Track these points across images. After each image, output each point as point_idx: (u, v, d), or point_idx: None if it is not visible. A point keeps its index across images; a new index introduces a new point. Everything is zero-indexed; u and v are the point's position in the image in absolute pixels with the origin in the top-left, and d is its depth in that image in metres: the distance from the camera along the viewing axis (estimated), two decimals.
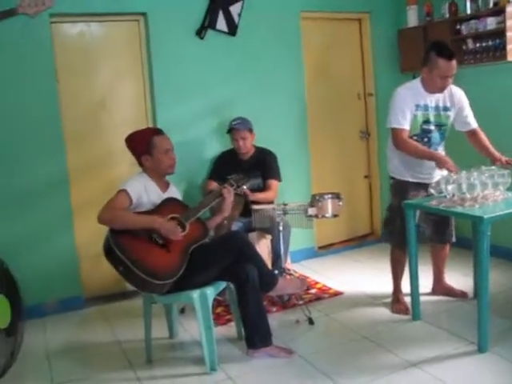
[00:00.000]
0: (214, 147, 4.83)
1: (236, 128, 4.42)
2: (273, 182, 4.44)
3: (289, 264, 4.43)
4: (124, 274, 3.02)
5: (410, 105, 3.67)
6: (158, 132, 3.47)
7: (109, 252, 3.04)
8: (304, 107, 5.26)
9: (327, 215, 3.85)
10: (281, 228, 3.98)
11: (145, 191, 3.31)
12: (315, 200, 3.84)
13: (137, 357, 3.52)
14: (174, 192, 3.57)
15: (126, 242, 3.04)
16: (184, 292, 3.21)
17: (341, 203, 3.89)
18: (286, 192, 4.76)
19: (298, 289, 3.65)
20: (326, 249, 5.57)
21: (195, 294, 3.19)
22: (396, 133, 3.68)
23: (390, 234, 3.97)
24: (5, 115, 4.17)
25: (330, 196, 3.84)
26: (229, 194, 3.53)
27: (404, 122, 3.66)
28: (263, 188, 4.43)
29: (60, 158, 4.36)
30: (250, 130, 4.46)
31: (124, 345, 3.74)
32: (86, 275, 4.58)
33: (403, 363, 3.18)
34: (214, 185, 4.38)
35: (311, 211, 3.83)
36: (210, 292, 3.25)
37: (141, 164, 3.45)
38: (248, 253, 3.32)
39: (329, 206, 3.84)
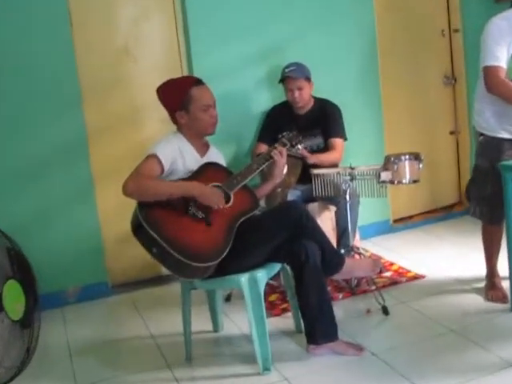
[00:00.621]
0: (264, 100, 4.83)
1: (290, 76, 4.39)
2: (337, 141, 4.42)
3: (357, 241, 4.42)
4: (158, 256, 3.05)
5: (507, 39, 3.55)
6: (198, 82, 3.46)
7: (138, 230, 3.06)
8: (374, 48, 5.20)
9: (404, 181, 3.81)
10: (347, 197, 3.96)
11: (180, 155, 3.32)
12: (390, 162, 3.79)
13: (174, 354, 3.57)
14: (215, 155, 3.58)
15: (160, 218, 3.06)
16: (230, 276, 3.22)
17: (421, 166, 3.84)
18: (353, 153, 4.73)
19: (369, 271, 3.63)
20: (402, 222, 5.56)
21: (243, 278, 3.21)
22: (490, 71, 3.56)
23: (478, 205, 3.88)
24: (10, 69, 4.23)
25: (407, 157, 3.79)
26: (280, 156, 3.51)
27: (501, 57, 3.54)
28: (325, 148, 4.42)
29: (77, 118, 4.42)
30: (308, 79, 4.43)
31: (159, 340, 3.80)
32: (111, 257, 4.67)
33: (500, 363, 3.13)
34: (264, 148, 4.36)
35: (385, 176, 3.79)
36: (262, 275, 3.26)
37: (175, 121, 3.46)
38: (308, 228, 3.30)
39: (406, 169, 3.79)
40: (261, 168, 3.48)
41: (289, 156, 3.62)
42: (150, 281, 4.73)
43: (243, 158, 4.70)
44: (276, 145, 3.57)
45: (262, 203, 3.82)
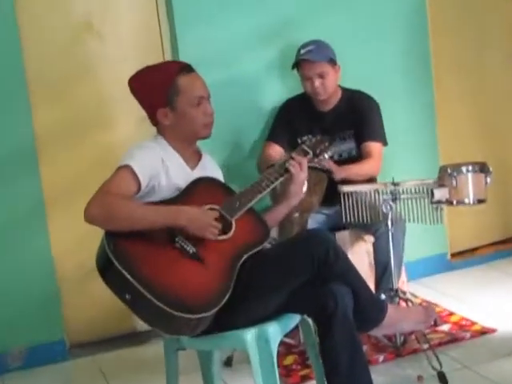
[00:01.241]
0: (274, 93, 4.86)
1: (308, 59, 4.38)
2: (374, 146, 4.41)
3: (404, 283, 4.43)
4: (132, 304, 3.01)
5: None
6: (186, 69, 3.44)
7: (107, 268, 3.03)
8: (422, 16, 5.23)
9: (467, 201, 3.80)
10: (389, 223, 3.95)
11: (162, 168, 3.30)
12: (446, 175, 3.78)
13: None
14: (210, 168, 3.58)
15: (135, 251, 3.04)
16: (231, 332, 3.20)
17: (489, 180, 3.83)
18: (396, 162, 4.78)
19: (419, 324, 3.59)
20: (463, 257, 5.58)
21: (249, 335, 3.19)
22: None
23: None
24: None
25: (470, 168, 3.79)
26: (299, 169, 3.48)
27: None
28: (358, 156, 4.43)
29: (21, 117, 4.44)
30: (332, 61, 4.42)
31: None
32: (69, 307, 4.66)
33: None
34: (276, 151, 4.38)
35: (440, 194, 3.77)
36: (274, 331, 3.24)
37: (155, 122, 3.45)
38: (336, 266, 3.26)
39: (469, 184, 3.78)
40: (273, 185, 3.44)
41: (310, 168, 3.60)
42: (122, 338, 4.73)
43: (247, 171, 4.69)
44: (293, 153, 3.53)
45: (274, 233, 3.81)
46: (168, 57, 4.71)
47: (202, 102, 3.40)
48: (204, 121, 3.41)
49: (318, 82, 4.38)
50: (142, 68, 3.48)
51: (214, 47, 4.70)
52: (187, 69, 3.45)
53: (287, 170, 3.47)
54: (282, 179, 3.47)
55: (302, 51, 4.42)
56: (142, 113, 3.50)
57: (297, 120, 4.51)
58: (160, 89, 3.38)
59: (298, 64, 4.44)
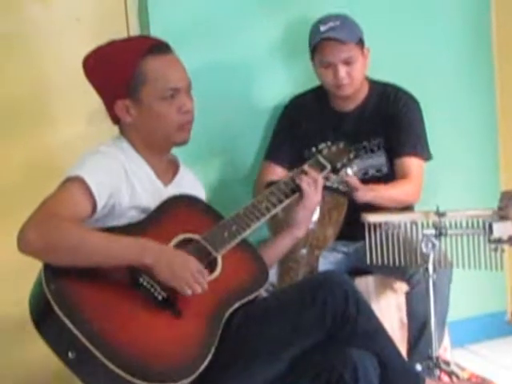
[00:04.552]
0: (278, 86, 4.88)
1: (333, 38, 4.34)
2: (413, 163, 4.42)
3: (446, 349, 4.44)
4: (76, 366, 2.99)
5: None
6: (158, 49, 3.45)
7: (43, 316, 3.02)
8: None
9: None
10: (430, 268, 3.92)
11: (126, 182, 3.31)
12: (511, 204, 3.80)
13: None
14: (191, 185, 3.60)
15: (84, 296, 3.02)
16: None
17: None
18: (440, 185, 4.83)
19: None
20: None
21: None
22: None
23: None
24: None
25: None
26: (313, 188, 3.51)
27: None
28: (390, 176, 4.45)
29: None
30: (360, 43, 4.43)
31: None
32: None
33: None
34: (279, 176, 4.37)
35: (501, 230, 3.77)
36: None
37: (115, 119, 3.46)
38: (356, 323, 3.27)
39: None
40: (276, 209, 3.45)
41: (325, 189, 3.61)
42: None
43: (239, 192, 4.73)
44: (305, 167, 3.55)
45: (273, 276, 3.82)
46: (134, 31, 4.70)
47: (178, 95, 3.39)
48: (178, 120, 3.41)
49: (343, 71, 4.34)
50: (104, 43, 3.48)
51: (196, 20, 4.71)
52: (160, 48, 3.45)
53: (296, 189, 3.48)
54: (288, 201, 3.48)
55: (323, 28, 4.38)
56: (97, 106, 3.51)
57: (308, 123, 4.54)
58: (120, 73, 3.38)
59: (317, 46, 4.41)
